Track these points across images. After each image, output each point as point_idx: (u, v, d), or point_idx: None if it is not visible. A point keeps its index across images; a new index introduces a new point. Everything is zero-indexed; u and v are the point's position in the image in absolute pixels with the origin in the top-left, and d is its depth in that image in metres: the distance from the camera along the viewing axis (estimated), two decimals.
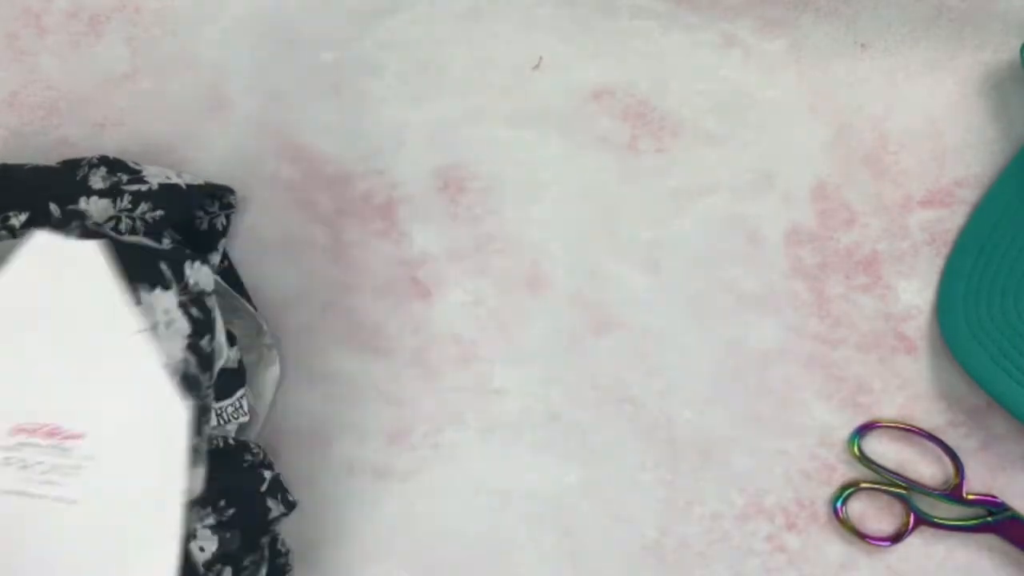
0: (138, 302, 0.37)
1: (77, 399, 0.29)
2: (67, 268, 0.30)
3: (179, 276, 0.38)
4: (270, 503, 0.41)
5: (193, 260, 0.39)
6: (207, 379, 0.39)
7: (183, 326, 0.38)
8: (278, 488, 0.42)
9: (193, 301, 0.38)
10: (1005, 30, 0.44)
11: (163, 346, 0.38)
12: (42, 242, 0.30)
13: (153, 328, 0.37)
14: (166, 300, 0.38)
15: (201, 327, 0.38)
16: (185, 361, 0.38)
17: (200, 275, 0.39)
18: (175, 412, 0.30)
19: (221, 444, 0.40)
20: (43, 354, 0.30)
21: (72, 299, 0.30)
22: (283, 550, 0.42)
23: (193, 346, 0.38)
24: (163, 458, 0.30)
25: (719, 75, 0.45)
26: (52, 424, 0.29)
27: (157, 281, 0.38)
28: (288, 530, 0.43)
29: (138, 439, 0.30)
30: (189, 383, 0.38)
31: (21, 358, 0.29)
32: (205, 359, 0.39)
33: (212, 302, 0.39)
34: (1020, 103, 0.43)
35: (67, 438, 0.29)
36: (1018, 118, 0.43)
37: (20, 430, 0.29)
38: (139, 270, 0.38)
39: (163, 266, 0.38)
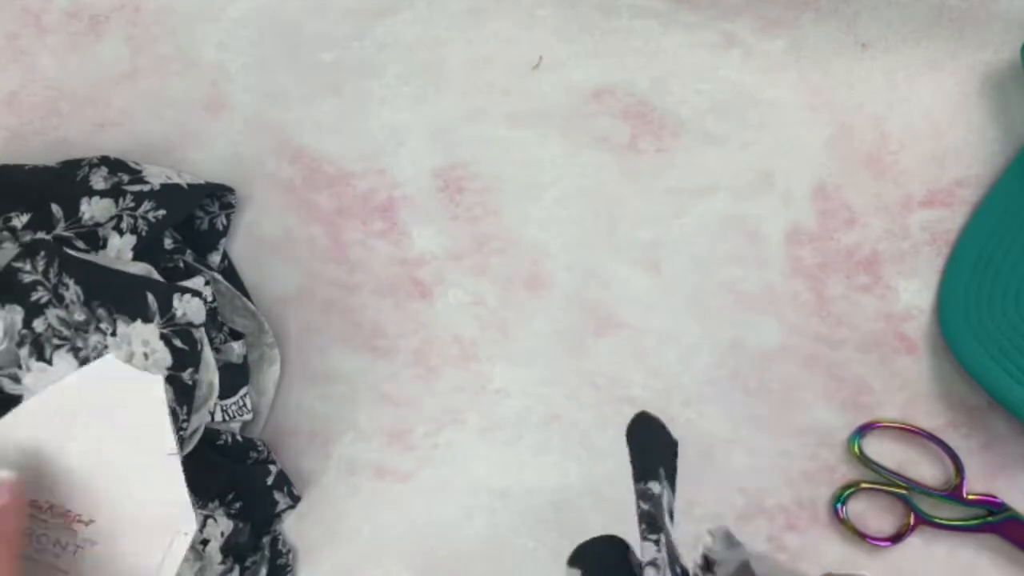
0: (113, 333, 0.38)
1: (97, 493, 0.34)
2: (127, 390, 0.35)
3: (165, 308, 0.38)
4: (277, 496, 0.42)
5: (183, 293, 0.39)
6: (184, 412, 0.38)
7: (163, 358, 0.38)
8: (284, 482, 0.42)
9: (178, 333, 0.39)
10: (1005, 30, 0.44)
11: None
12: (111, 367, 0.35)
13: (129, 359, 0.38)
14: (146, 332, 0.38)
15: (184, 359, 0.39)
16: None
17: (190, 307, 0.39)
18: (183, 541, 0.34)
19: (230, 440, 0.40)
20: (82, 449, 0.34)
21: (122, 416, 0.35)
22: (284, 550, 0.42)
23: (173, 379, 0.38)
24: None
25: (719, 75, 0.45)
26: (63, 506, 0.34)
27: (138, 313, 0.38)
28: (288, 530, 0.43)
29: (141, 543, 0.34)
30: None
31: (61, 447, 0.34)
32: (185, 392, 0.38)
33: (200, 335, 0.39)
34: (1020, 103, 0.43)
35: (75, 521, 0.34)
36: (1018, 118, 0.43)
37: (35, 505, 0.34)
38: (121, 301, 0.38)
39: (150, 298, 0.38)
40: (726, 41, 0.45)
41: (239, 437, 0.41)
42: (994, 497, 0.41)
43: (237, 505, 0.41)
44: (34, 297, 0.37)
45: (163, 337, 0.38)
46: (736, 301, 0.43)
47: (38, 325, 0.37)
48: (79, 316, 0.38)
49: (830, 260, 0.43)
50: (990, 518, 0.41)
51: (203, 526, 0.39)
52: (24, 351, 0.37)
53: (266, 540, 0.42)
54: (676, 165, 0.44)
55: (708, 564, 0.34)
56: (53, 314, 0.37)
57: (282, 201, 0.45)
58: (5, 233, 0.39)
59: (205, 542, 0.39)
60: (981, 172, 0.43)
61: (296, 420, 0.44)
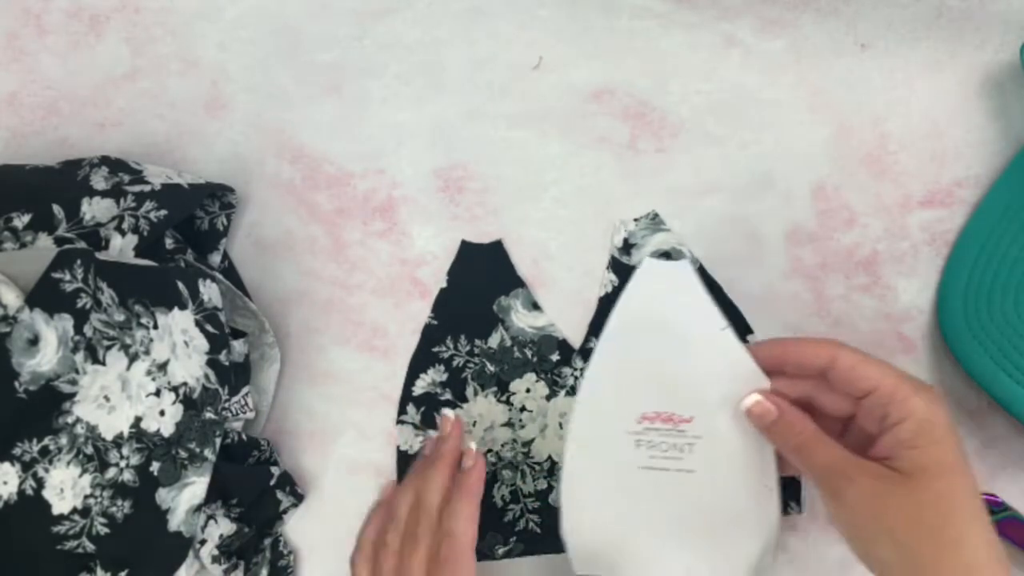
0: (155, 326, 0.39)
1: (683, 389, 0.36)
2: (666, 285, 0.37)
3: (195, 294, 0.39)
4: (280, 495, 0.42)
5: (204, 277, 0.40)
6: (225, 392, 0.40)
7: (201, 344, 0.39)
8: (287, 481, 0.42)
9: (208, 319, 0.39)
10: (1005, 30, 0.44)
11: (184, 366, 0.39)
12: (649, 267, 0.37)
13: (172, 350, 0.39)
14: (184, 320, 0.39)
15: (218, 343, 0.40)
16: (206, 376, 0.39)
17: (212, 292, 0.40)
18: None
19: (236, 440, 0.41)
20: (653, 356, 0.37)
21: (671, 310, 0.36)
22: (285, 551, 0.42)
23: (212, 362, 0.39)
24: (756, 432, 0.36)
25: (719, 75, 0.45)
26: (667, 412, 0.37)
27: (175, 302, 0.39)
28: (288, 529, 0.43)
29: (735, 418, 0.36)
30: (207, 398, 0.39)
31: (639, 361, 0.37)
32: (223, 373, 0.40)
33: (224, 317, 0.40)
34: (1020, 103, 0.43)
35: (680, 422, 0.37)
36: (1018, 118, 0.43)
37: (644, 418, 0.37)
38: (155, 294, 0.39)
39: (180, 286, 0.39)
40: (726, 41, 0.45)
41: (243, 436, 0.41)
42: (994, 496, 0.41)
43: (238, 507, 0.41)
44: (79, 304, 0.38)
45: (197, 324, 0.39)
46: (736, 301, 0.43)
47: (87, 330, 0.38)
48: (119, 316, 0.38)
49: (830, 260, 0.43)
50: (990, 517, 0.41)
51: (204, 527, 0.39)
52: (79, 356, 0.38)
53: (268, 542, 0.42)
54: (676, 165, 0.44)
55: (627, 246, 0.37)
56: (96, 318, 0.38)
57: (282, 201, 0.45)
58: (6, 233, 0.39)
59: (203, 542, 0.39)
60: (980, 172, 0.43)
61: (296, 420, 0.44)
